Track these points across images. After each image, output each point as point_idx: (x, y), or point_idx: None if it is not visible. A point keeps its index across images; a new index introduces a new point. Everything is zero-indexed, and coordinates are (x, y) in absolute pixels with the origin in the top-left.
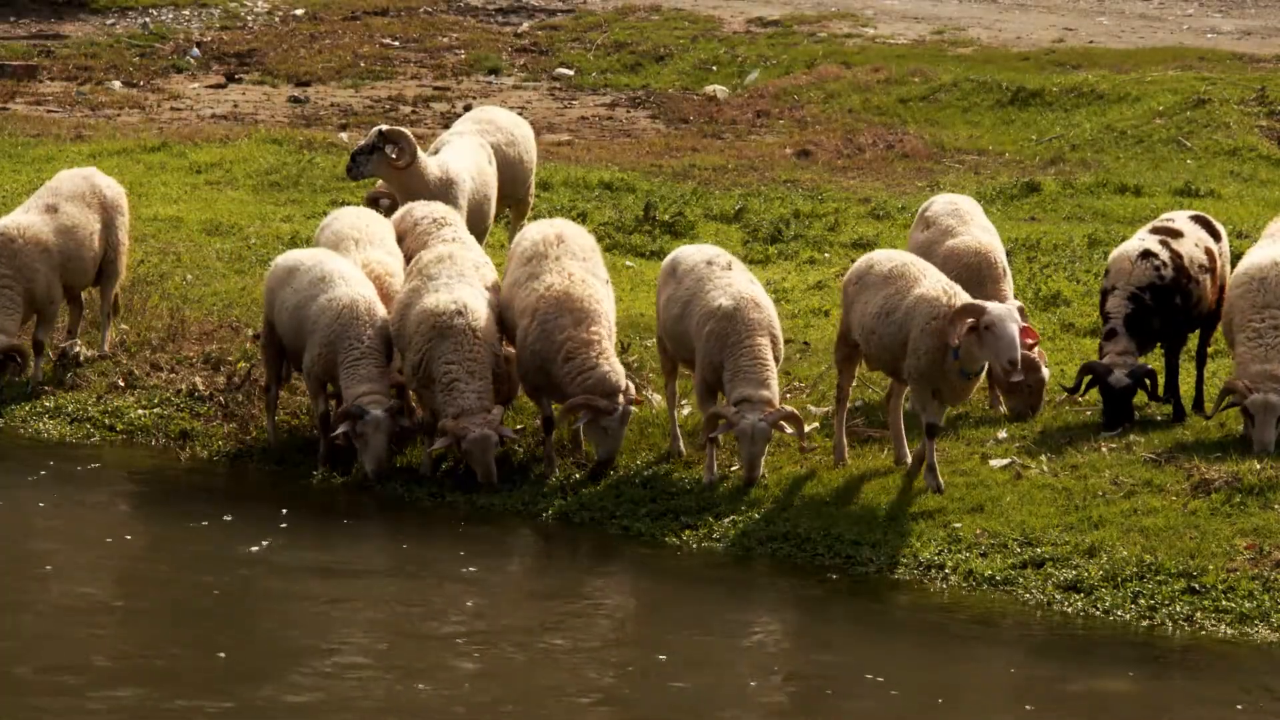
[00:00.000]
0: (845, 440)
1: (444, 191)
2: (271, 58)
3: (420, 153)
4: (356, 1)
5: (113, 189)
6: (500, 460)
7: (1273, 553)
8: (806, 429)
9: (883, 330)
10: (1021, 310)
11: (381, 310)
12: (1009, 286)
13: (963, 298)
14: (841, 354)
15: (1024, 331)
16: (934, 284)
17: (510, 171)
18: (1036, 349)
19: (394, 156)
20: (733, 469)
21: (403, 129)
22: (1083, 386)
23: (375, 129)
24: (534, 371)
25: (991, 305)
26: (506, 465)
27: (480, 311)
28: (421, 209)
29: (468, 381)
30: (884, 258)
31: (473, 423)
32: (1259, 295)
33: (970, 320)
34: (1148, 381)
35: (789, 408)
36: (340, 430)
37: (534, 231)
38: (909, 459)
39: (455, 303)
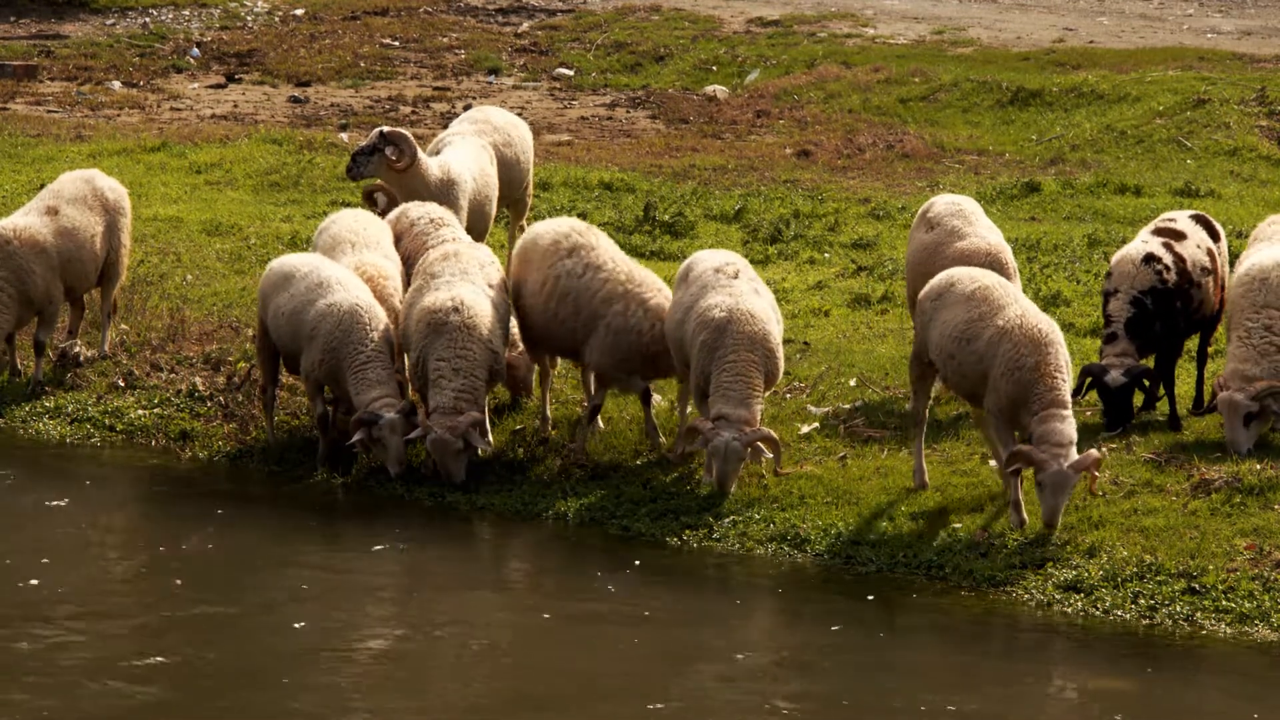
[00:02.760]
0: (924, 464)
1: (445, 192)
2: (271, 58)
3: (421, 153)
4: (356, 1)
5: (115, 191)
6: (499, 460)
7: (1273, 553)
8: (805, 429)
9: (962, 357)
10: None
11: (381, 313)
12: (1018, 284)
13: (1045, 337)
14: (915, 373)
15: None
16: (1016, 319)
17: (507, 172)
18: None
19: (394, 158)
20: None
21: (403, 130)
22: (1083, 389)
23: (376, 130)
24: (636, 352)
25: (1053, 466)
26: (506, 465)
27: (479, 310)
28: (417, 209)
29: (450, 379)
30: (966, 276)
31: (439, 423)
32: (1259, 295)
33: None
34: (1145, 382)
35: (766, 429)
36: (357, 438)
37: (562, 226)
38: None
39: (453, 300)
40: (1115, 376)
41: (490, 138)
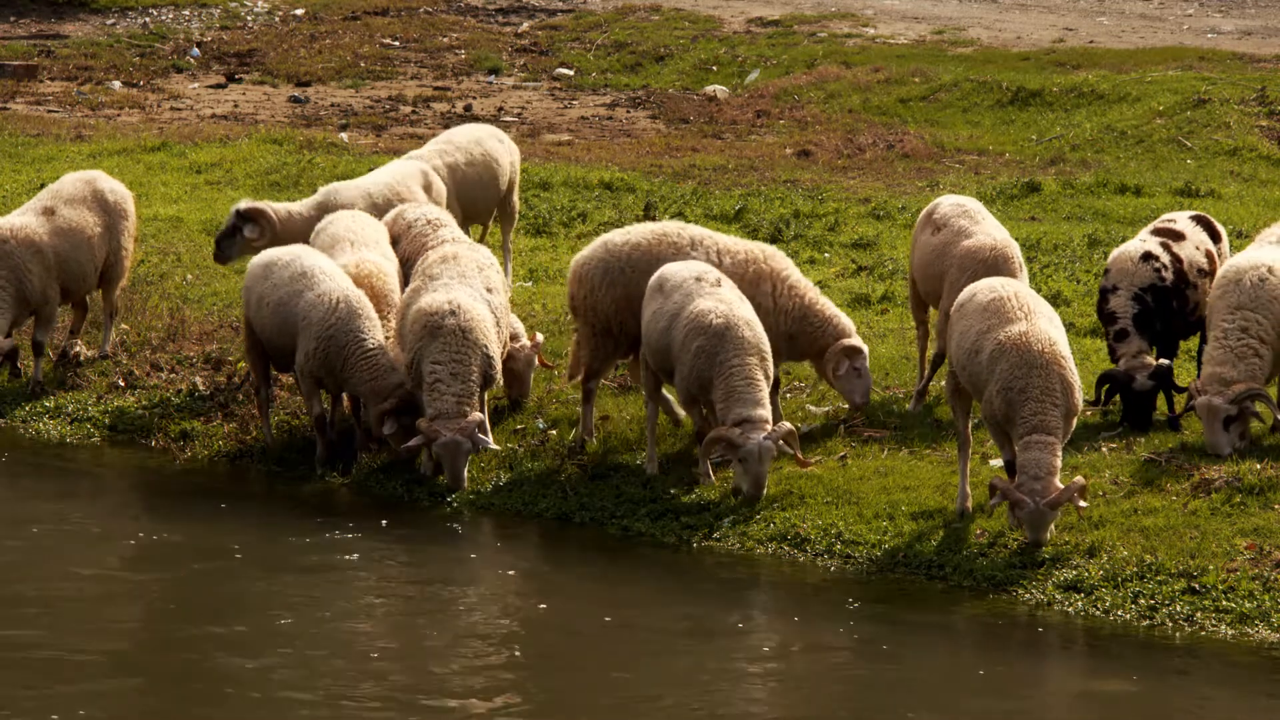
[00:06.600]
0: (969, 488)
1: None
2: (271, 58)
3: (293, 206)
4: (356, 1)
5: (116, 193)
6: (500, 460)
7: (1273, 553)
8: (805, 429)
9: (973, 369)
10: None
11: (370, 306)
12: (1025, 280)
13: (1038, 359)
14: (950, 387)
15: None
16: (1017, 336)
17: (473, 190)
18: None
19: (253, 236)
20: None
21: (259, 205)
22: (1103, 396)
23: (233, 208)
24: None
25: (1029, 505)
26: (506, 465)
27: (474, 313)
28: (413, 211)
29: (449, 384)
30: (986, 288)
31: (446, 427)
32: (1233, 296)
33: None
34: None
35: (787, 424)
36: (389, 430)
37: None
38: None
39: (449, 303)
40: (1142, 381)
41: (452, 158)
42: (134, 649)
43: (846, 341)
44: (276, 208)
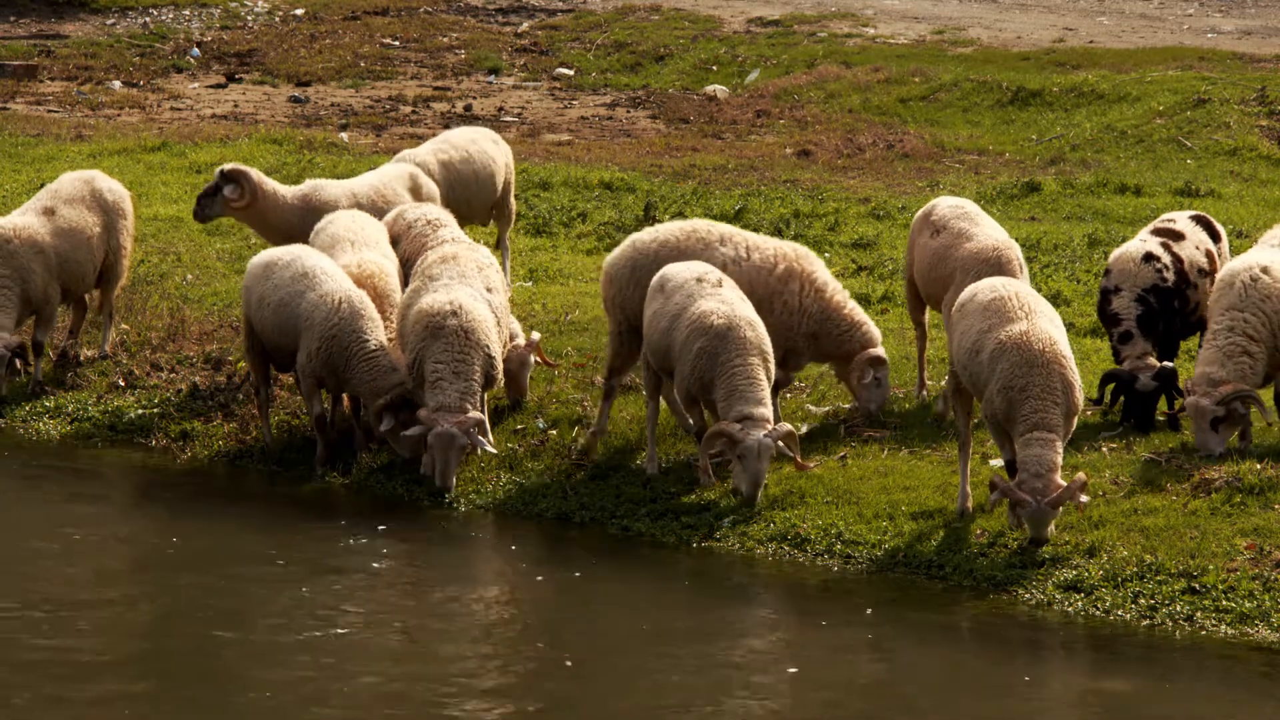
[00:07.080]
0: (969, 488)
1: (306, 220)
2: (271, 58)
3: (278, 186)
4: (356, 1)
5: (114, 192)
6: (501, 460)
7: (1273, 553)
8: (805, 429)
9: (974, 369)
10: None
11: (372, 306)
12: (1026, 280)
13: (1039, 358)
14: (952, 386)
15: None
16: (1018, 336)
17: (468, 190)
18: None
19: (233, 197)
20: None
21: (244, 168)
22: (1107, 396)
23: (218, 169)
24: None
25: (1031, 505)
26: (506, 465)
27: (475, 314)
28: (414, 211)
29: (451, 382)
30: (987, 288)
31: (445, 419)
32: (1226, 296)
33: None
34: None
35: (787, 425)
36: (385, 427)
37: (687, 226)
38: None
39: (450, 304)
40: (1145, 381)
41: (447, 155)
42: (146, 653)
43: (872, 352)
44: (263, 179)
